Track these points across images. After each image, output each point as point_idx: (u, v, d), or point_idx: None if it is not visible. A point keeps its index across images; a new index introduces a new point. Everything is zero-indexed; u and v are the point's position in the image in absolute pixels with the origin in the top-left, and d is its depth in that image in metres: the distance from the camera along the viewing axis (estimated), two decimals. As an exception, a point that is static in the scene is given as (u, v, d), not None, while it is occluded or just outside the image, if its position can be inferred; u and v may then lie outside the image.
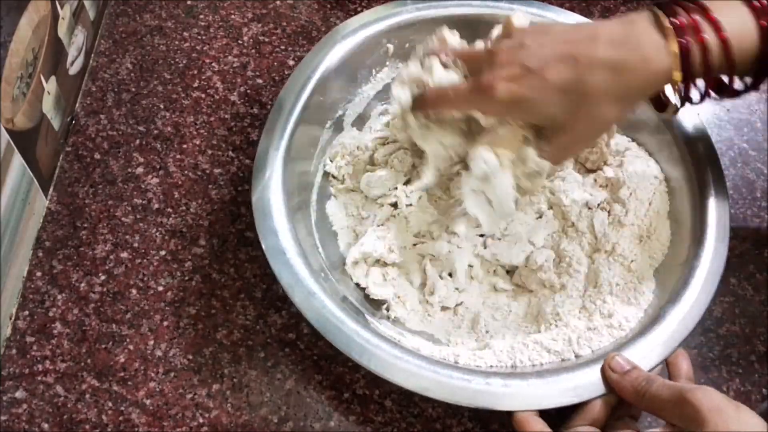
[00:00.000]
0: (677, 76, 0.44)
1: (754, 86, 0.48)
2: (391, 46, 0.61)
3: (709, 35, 0.44)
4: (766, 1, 0.44)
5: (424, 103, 0.51)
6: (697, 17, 0.44)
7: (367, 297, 0.54)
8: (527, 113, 0.47)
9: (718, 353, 0.55)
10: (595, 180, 0.58)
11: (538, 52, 0.46)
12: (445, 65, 0.51)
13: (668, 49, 0.44)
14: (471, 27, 0.62)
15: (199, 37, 0.69)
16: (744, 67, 0.46)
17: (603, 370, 0.46)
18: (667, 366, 0.48)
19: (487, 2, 0.62)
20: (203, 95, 0.66)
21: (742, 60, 0.45)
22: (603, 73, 0.44)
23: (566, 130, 0.47)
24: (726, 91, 0.48)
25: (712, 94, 0.48)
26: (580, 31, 0.47)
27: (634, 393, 0.44)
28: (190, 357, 0.52)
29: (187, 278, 0.56)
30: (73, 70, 0.62)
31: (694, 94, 0.48)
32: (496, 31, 0.51)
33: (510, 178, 0.49)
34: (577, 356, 0.49)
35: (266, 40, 0.70)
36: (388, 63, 0.62)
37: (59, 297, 0.54)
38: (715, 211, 0.53)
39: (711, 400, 0.40)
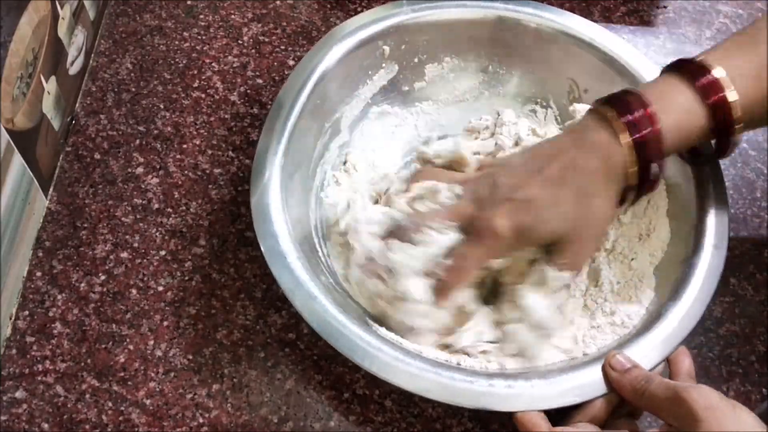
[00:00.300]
0: (633, 165, 0.48)
1: (720, 154, 0.52)
2: (387, 48, 0.61)
3: (647, 130, 0.48)
4: (710, 77, 0.48)
5: (444, 289, 0.49)
6: (638, 114, 0.48)
7: None
8: (533, 238, 0.48)
9: (718, 353, 0.55)
10: None
11: (513, 182, 0.49)
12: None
13: (620, 144, 0.48)
14: (468, 30, 0.62)
15: (199, 37, 0.69)
16: (696, 143, 0.51)
17: (603, 369, 0.46)
18: (668, 364, 0.48)
19: (482, 3, 0.62)
20: (203, 95, 0.66)
21: (686, 143, 0.50)
22: (581, 177, 0.48)
23: (572, 238, 0.49)
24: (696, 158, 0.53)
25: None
26: (542, 150, 0.51)
27: (632, 392, 0.44)
28: (190, 357, 0.52)
29: (187, 278, 0.56)
30: (73, 70, 0.62)
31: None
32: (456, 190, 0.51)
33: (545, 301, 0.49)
34: (584, 354, 0.49)
35: (266, 40, 0.70)
36: (384, 65, 0.62)
37: (59, 297, 0.54)
38: (714, 210, 0.53)
39: (706, 399, 0.40)
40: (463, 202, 0.50)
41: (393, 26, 0.61)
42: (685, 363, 0.47)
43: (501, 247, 0.48)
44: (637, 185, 0.49)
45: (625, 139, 0.47)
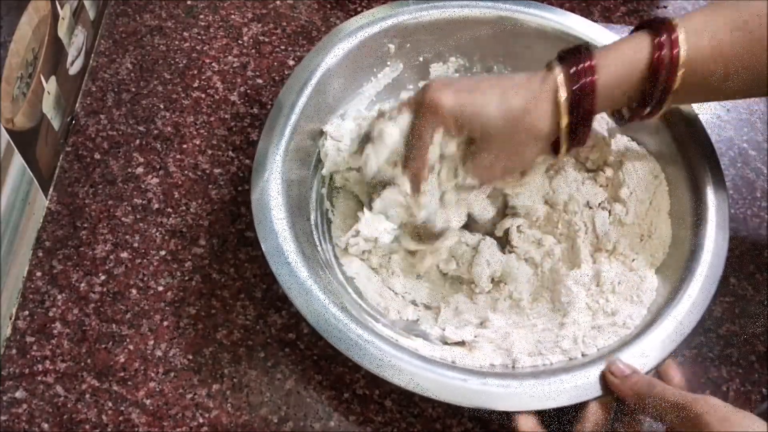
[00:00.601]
0: (564, 120, 0.49)
1: (650, 114, 0.51)
2: (392, 46, 0.61)
3: (584, 80, 0.48)
4: (672, 36, 0.47)
5: (415, 176, 0.52)
6: (583, 64, 0.48)
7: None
8: (466, 121, 0.50)
9: (718, 353, 0.55)
10: (596, 179, 0.58)
11: (463, 81, 0.52)
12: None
13: (554, 99, 0.48)
14: (470, 29, 0.62)
15: (199, 37, 0.69)
16: (630, 101, 0.50)
17: (603, 375, 0.46)
18: (658, 375, 0.48)
19: (486, 3, 0.62)
20: (203, 95, 0.66)
21: (620, 98, 0.50)
22: (519, 100, 0.49)
23: (492, 146, 0.50)
24: (621, 120, 0.54)
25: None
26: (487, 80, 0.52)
27: (635, 397, 0.44)
28: (190, 357, 0.52)
29: (187, 278, 0.56)
30: (73, 70, 0.62)
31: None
32: None
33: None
34: (584, 355, 0.49)
35: (266, 40, 0.70)
36: (389, 63, 0.62)
37: (59, 297, 0.54)
38: (714, 210, 0.53)
39: (718, 411, 0.40)
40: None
41: (397, 25, 0.61)
42: (677, 377, 0.47)
43: (444, 120, 0.50)
44: (568, 133, 0.50)
45: (562, 88, 0.48)
